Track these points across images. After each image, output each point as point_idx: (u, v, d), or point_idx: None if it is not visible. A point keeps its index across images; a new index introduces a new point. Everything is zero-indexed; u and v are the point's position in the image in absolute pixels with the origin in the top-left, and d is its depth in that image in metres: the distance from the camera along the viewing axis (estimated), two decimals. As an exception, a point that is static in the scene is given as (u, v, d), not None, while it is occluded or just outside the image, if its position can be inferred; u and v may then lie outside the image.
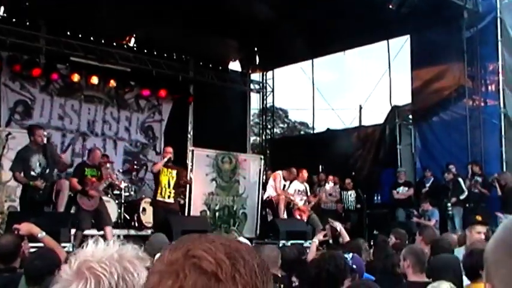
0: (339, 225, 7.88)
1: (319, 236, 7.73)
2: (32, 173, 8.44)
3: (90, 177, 9.39)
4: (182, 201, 12.21)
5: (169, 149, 10.42)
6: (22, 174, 8.51)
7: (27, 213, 8.58)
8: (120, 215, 11.64)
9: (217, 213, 13.29)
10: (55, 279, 1.30)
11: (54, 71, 13.27)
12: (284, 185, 11.94)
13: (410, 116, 15.09)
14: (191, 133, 16.22)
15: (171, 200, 10.29)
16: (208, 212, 13.01)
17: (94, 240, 1.34)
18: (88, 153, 10.34)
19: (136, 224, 11.76)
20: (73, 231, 8.76)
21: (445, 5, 12.51)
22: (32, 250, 4.90)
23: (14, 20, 12.85)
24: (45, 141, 8.76)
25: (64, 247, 7.31)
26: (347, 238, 7.43)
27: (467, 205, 11.78)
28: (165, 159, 10.12)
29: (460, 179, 12.01)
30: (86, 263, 1.27)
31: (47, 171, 8.59)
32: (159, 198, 10.14)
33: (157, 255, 1.08)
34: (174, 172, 10.34)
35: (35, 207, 8.58)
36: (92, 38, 14.05)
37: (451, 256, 4.72)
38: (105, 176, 10.12)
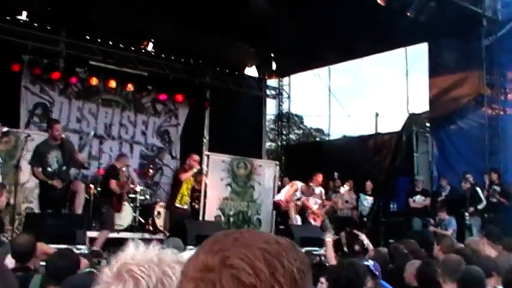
0: (366, 240, 7.84)
1: (330, 236, 7.74)
2: (49, 169, 8.50)
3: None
4: (197, 206, 12.23)
5: (197, 158, 10.36)
6: (40, 169, 8.58)
7: (44, 214, 8.67)
8: (135, 218, 11.66)
9: (231, 219, 13.27)
10: (95, 282, 1.31)
11: (73, 75, 13.42)
12: (298, 198, 11.87)
13: (428, 124, 14.97)
14: (207, 138, 16.24)
15: (187, 207, 10.35)
16: (222, 217, 13.00)
17: (134, 243, 1.35)
18: (118, 157, 10.87)
19: (151, 228, 11.77)
20: (89, 233, 8.87)
21: (463, 13, 12.42)
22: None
23: (35, 24, 13.01)
24: (63, 136, 8.85)
25: (79, 249, 7.37)
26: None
27: (485, 215, 11.63)
28: (195, 170, 10.11)
29: (478, 188, 11.86)
30: (126, 265, 1.28)
31: (63, 168, 8.66)
32: (177, 204, 10.16)
33: (187, 253, 1.07)
34: (193, 180, 10.39)
35: (53, 207, 8.66)
36: (110, 42, 14.18)
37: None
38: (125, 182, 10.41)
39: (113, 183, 9.63)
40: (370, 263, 4.56)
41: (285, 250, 1.00)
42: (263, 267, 0.95)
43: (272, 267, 0.96)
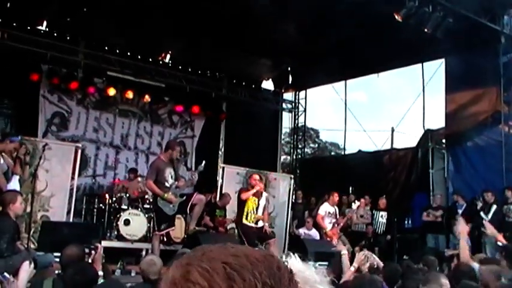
0: (376, 260, 7.56)
1: (345, 249, 7.47)
2: (166, 183, 8.63)
3: None
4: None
5: (257, 177, 10.59)
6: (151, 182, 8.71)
7: (60, 223, 8.74)
8: (150, 228, 11.68)
9: (245, 231, 13.25)
10: None
11: (91, 85, 13.55)
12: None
13: (444, 140, 14.86)
14: (222, 150, 16.29)
15: (253, 224, 10.41)
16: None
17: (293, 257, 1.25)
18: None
19: (165, 239, 11.77)
20: (104, 242, 8.90)
21: (481, 30, 12.37)
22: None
23: (55, 34, 13.19)
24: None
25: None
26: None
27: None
28: (254, 190, 10.24)
29: (494, 206, 11.74)
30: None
31: (175, 184, 8.82)
32: (245, 222, 10.30)
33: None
34: (257, 200, 10.45)
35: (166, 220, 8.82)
36: (128, 54, 14.31)
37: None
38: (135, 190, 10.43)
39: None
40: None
41: (252, 263, 0.98)
42: (221, 281, 0.94)
43: (231, 280, 0.94)
